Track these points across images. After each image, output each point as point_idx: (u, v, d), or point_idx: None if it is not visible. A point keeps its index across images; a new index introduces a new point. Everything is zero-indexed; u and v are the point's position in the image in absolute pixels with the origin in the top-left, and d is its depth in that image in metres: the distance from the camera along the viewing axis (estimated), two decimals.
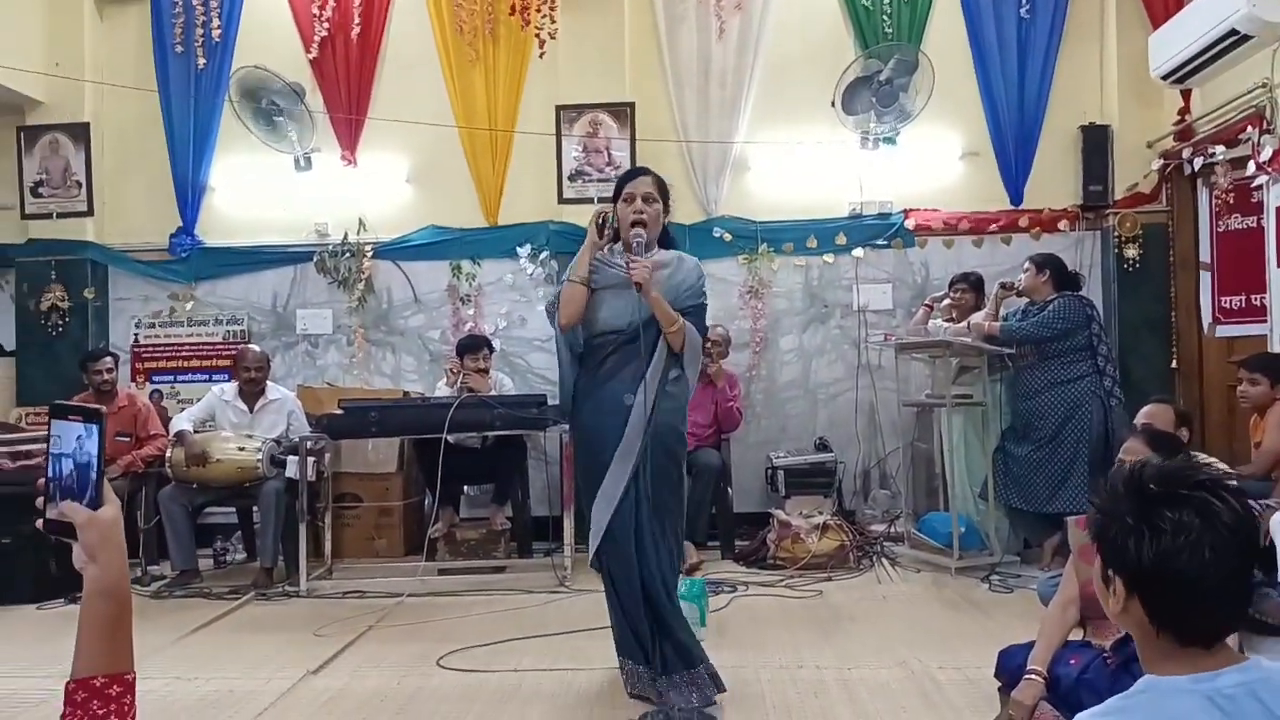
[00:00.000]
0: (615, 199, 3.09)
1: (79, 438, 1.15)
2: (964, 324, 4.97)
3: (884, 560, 4.95)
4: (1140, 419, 3.58)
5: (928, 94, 5.50)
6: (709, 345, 5.32)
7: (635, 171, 3.23)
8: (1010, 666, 2.46)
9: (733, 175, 5.95)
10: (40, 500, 1.15)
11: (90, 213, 6.09)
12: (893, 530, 5.35)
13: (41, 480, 1.15)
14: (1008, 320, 4.80)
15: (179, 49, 6.03)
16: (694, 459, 5.23)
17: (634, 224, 3.00)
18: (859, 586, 4.51)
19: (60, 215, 6.07)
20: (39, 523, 1.15)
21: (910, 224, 5.85)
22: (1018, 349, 4.74)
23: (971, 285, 5.21)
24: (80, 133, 6.05)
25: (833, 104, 5.61)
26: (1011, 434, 4.80)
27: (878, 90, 5.53)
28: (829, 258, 5.90)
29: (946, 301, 5.23)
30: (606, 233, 3.04)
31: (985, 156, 5.85)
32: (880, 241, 5.87)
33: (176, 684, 3.27)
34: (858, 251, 5.86)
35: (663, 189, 3.10)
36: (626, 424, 2.93)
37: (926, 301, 5.41)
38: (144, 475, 5.14)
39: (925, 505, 5.46)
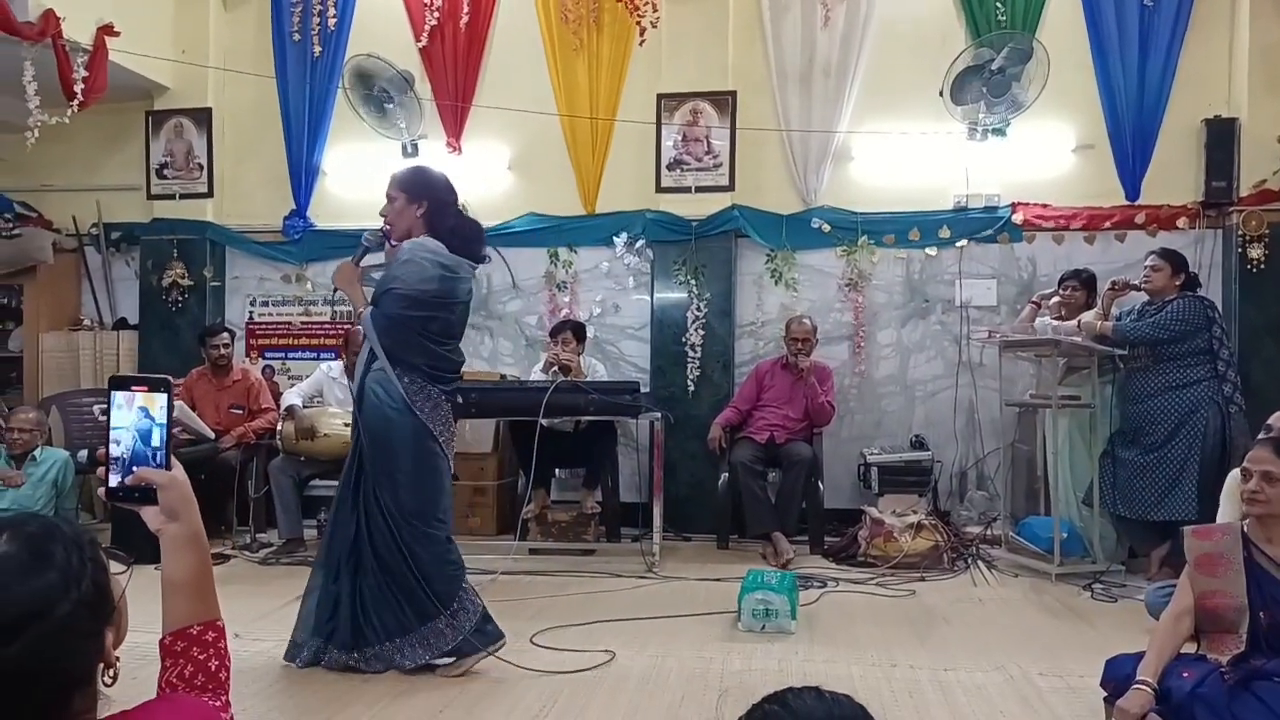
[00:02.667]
0: None
1: (145, 407, 1.19)
2: (1073, 322, 4.79)
3: (979, 563, 4.83)
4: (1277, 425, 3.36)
5: (1041, 84, 5.32)
6: (796, 343, 5.26)
7: None
8: (1118, 676, 2.38)
9: (834, 165, 5.85)
10: (101, 470, 1.20)
11: (210, 194, 6.38)
12: (989, 533, 5.22)
13: (102, 451, 1.21)
14: (1121, 319, 4.61)
15: (296, 37, 6.25)
16: (785, 451, 5.22)
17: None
18: (953, 588, 4.42)
19: (183, 196, 6.37)
20: (101, 491, 1.20)
21: (1018, 218, 5.67)
22: (1131, 350, 4.53)
23: (1083, 283, 5.01)
24: (203, 117, 6.34)
25: (940, 94, 5.47)
26: (1120, 438, 4.59)
27: (989, 80, 5.37)
28: (931, 251, 5.77)
29: (1056, 299, 5.03)
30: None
31: (1100, 149, 5.62)
32: (986, 234, 5.72)
33: (286, 646, 3.42)
34: (961, 243, 5.72)
35: (412, 185, 3.20)
36: None
37: (1034, 299, 5.23)
38: (255, 447, 5.38)
39: (1024, 508, 5.30)
